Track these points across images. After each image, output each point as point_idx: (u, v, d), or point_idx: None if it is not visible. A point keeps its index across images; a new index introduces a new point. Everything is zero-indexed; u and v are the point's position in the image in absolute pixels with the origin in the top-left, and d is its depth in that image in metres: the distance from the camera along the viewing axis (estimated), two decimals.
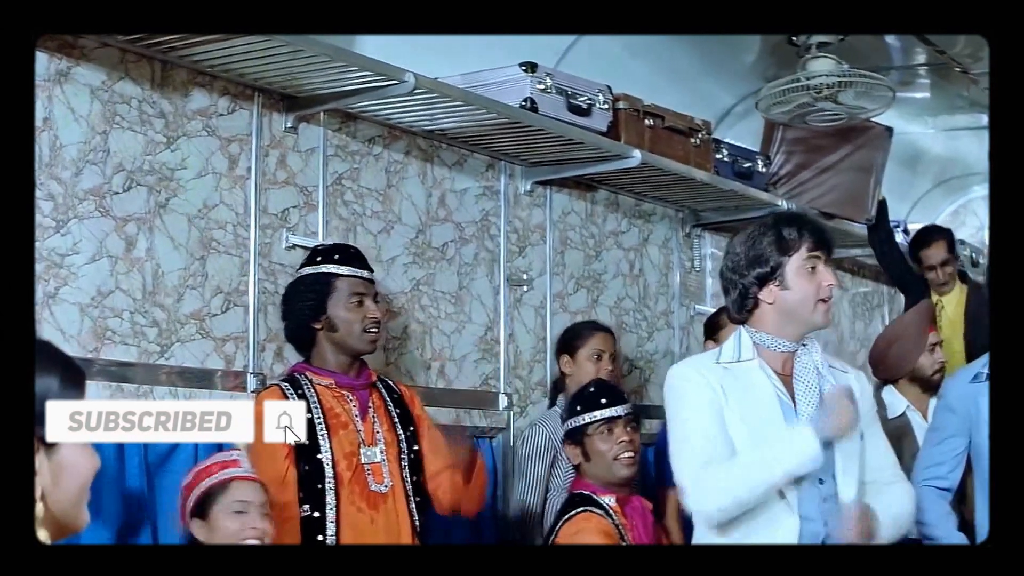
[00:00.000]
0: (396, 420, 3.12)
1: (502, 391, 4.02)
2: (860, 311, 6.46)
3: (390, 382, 3.24)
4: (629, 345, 4.60)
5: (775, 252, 2.68)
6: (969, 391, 3.36)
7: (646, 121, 4.12)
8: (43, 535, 1.49)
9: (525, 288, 4.16)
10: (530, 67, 3.67)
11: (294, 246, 3.36)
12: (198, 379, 3.09)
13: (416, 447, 3.14)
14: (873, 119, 4.93)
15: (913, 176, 6.65)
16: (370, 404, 3.10)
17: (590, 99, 3.87)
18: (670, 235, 4.91)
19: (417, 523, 3.07)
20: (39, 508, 1.48)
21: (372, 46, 3.33)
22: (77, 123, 2.89)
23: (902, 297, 5.49)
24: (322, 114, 3.47)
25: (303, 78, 3.23)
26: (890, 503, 2.73)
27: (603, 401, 3.37)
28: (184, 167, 3.13)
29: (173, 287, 3.08)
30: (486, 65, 3.67)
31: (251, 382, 3.19)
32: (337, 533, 2.93)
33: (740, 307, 2.74)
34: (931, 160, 6.57)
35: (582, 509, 3.26)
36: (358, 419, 3.05)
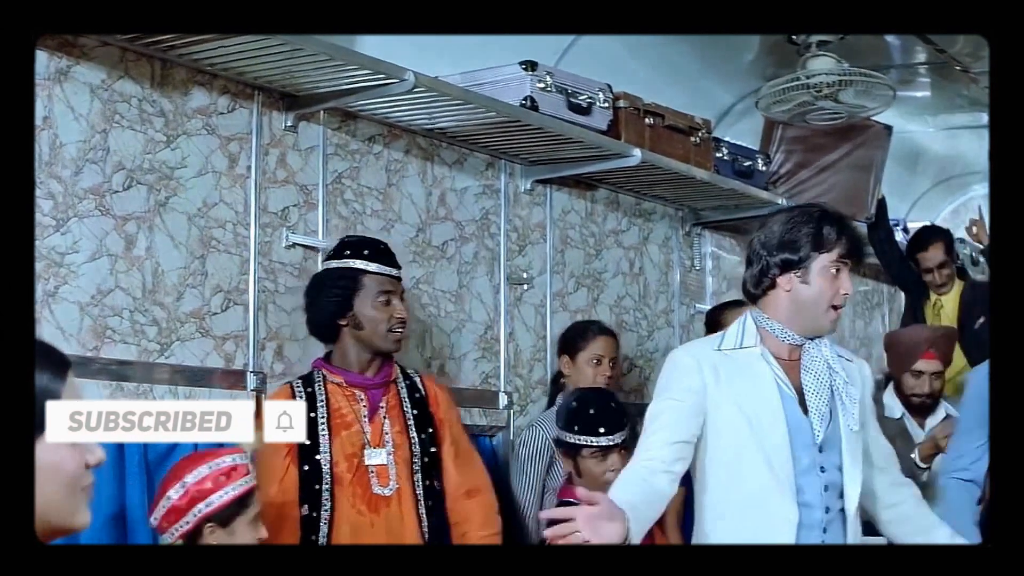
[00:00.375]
0: (411, 422, 3.07)
1: (502, 390, 4.02)
2: (860, 310, 6.46)
3: (418, 381, 3.17)
4: (629, 344, 4.60)
5: (808, 245, 2.68)
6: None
7: (646, 120, 4.12)
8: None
9: (525, 287, 4.15)
10: (530, 66, 3.67)
11: (294, 245, 3.36)
12: (198, 378, 3.09)
13: (433, 449, 3.08)
14: (873, 118, 4.92)
15: (913, 175, 6.64)
16: (382, 404, 3.06)
17: (590, 98, 3.87)
18: (670, 234, 4.91)
19: (426, 528, 3.02)
20: None
21: (371, 45, 3.33)
22: (77, 122, 2.89)
23: (902, 296, 5.50)
24: (322, 113, 3.46)
25: (303, 77, 3.23)
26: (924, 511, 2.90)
27: (601, 430, 3.25)
28: (184, 166, 3.13)
29: (173, 286, 3.08)
30: (486, 64, 3.67)
31: (251, 381, 3.20)
32: (330, 534, 2.91)
33: (757, 283, 2.74)
34: (931, 159, 6.56)
35: None
36: (365, 419, 3.03)
